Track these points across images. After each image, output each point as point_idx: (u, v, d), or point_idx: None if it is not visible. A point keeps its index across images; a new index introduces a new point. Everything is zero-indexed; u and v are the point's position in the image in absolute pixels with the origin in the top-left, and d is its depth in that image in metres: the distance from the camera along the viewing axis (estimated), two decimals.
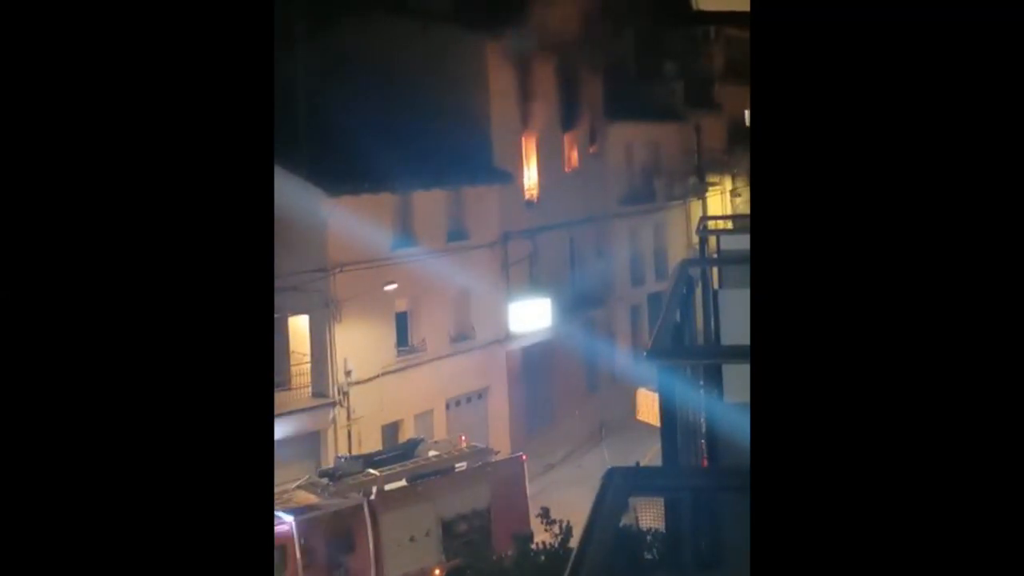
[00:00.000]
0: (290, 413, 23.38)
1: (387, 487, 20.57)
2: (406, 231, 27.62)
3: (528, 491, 22.35)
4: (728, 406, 5.34)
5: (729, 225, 11.61)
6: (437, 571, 20.82)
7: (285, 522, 18.24)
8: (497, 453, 23.71)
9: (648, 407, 25.98)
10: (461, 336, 29.23)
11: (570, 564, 2.05)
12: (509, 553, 17.01)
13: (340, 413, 25.49)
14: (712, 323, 6.45)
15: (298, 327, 25.44)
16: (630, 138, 37.91)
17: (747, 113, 43.39)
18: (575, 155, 34.84)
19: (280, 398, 22.72)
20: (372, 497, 20.12)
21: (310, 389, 25.45)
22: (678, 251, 36.18)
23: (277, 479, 17.09)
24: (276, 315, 21.57)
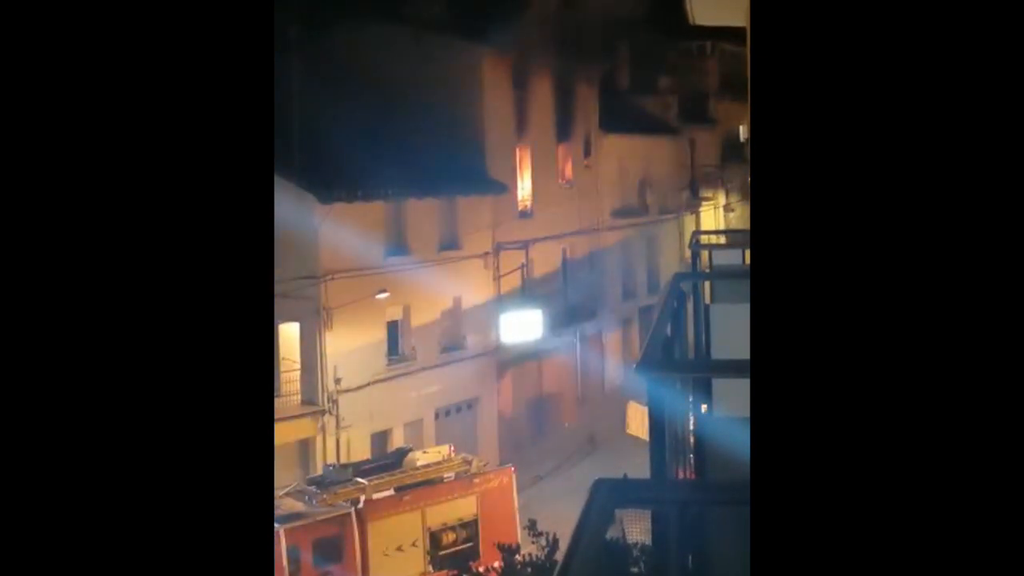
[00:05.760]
0: (279, 420, 23.32)
1: (375, 496, 20.53)
2: (398, 240, 27.61)
3: (516, 503, 22.31)
4: (717, 420, 5.33)
5: (722, 240, 11.63)
6: None
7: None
8: (486, 464, 23.66)
9: (638, 421, 25.97)
10: (452, 346, 29.20)
11: None
12: (496, 565, 16.96)
13: (329, 421, 25.43)
14: (703, 337, 6.44)
15: (288, 334, 25.40)
16: (624, 151, 37.95)
17: (742, 128, 43.51)
18: (569, 167, 34.88)
19: None
20: (360, 506, 20.08)
21: (299, 397, 25.40)
22: (670, 265, 36.20)
23: None
24: None
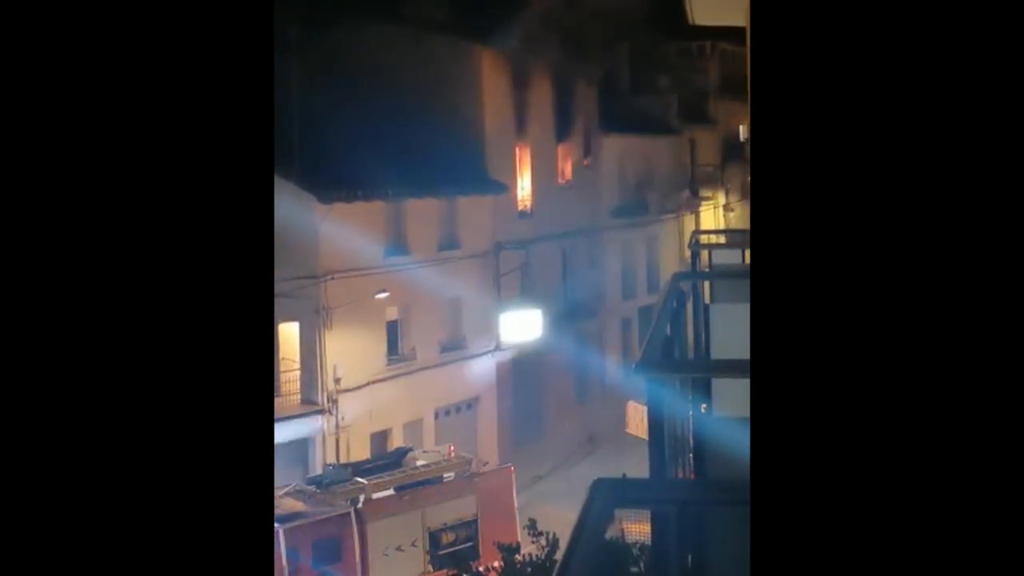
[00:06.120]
0: (279, 420, 23.28)
1: (375, 496, 20.53)
2: (398, 239, 27.60)
3: (516, 502, 22.31)
4: (717, 420, 5.33)
5: (722, 240, 11.62)
6: None
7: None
8: (485, 464, 23.67)
9: (638, 420, 25.98)
10: (452, 346, 29.19)
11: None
12: (496, 564, 16.96)
13: (329, 421, 25.43)
14: (703, 337, 6.44)
15: (288, 334, 25.39)
16: (624, 151, 37.94)
17: (741, 128, 43.51)
18: (569, 167, 34.87)
19: None
20: (359, 506, 20.08)
21: (299, 396, 25.39)
22: (670, 265, 36.17)
23: None
24: None
